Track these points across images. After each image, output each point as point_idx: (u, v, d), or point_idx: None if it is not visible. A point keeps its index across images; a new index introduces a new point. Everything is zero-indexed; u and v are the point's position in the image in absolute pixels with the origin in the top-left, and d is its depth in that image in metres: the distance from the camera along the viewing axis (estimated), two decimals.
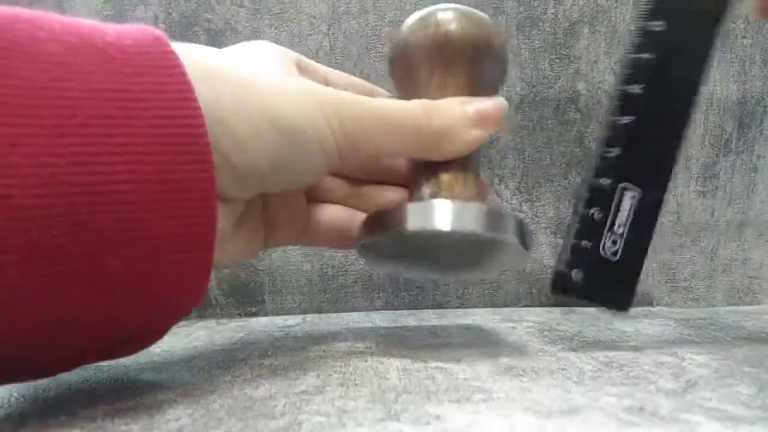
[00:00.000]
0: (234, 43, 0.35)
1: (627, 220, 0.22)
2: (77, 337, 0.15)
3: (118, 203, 0.14)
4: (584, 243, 0.22)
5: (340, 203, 0.25)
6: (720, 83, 0.39)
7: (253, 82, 0.18)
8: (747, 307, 0.39)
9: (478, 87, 0.24)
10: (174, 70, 0.15)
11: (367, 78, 0.36)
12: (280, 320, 0.34)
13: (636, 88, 0.22)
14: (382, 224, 0.21)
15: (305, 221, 0.24)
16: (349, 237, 0.24)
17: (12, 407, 0.17)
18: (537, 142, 0.37)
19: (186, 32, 0.35)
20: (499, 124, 0.23)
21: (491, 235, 0.20)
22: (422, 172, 0.23)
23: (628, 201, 0.22)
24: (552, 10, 0.37)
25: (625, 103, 0.22)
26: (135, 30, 0.16)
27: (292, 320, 0.34)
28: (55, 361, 0.16)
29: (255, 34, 0.36)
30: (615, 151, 0.22)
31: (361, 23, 0.36)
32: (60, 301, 0.14)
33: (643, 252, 0.22)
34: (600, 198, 0.22)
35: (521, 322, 0.31)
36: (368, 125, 0.20)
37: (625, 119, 0.22)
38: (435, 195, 0.21)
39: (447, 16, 0.23)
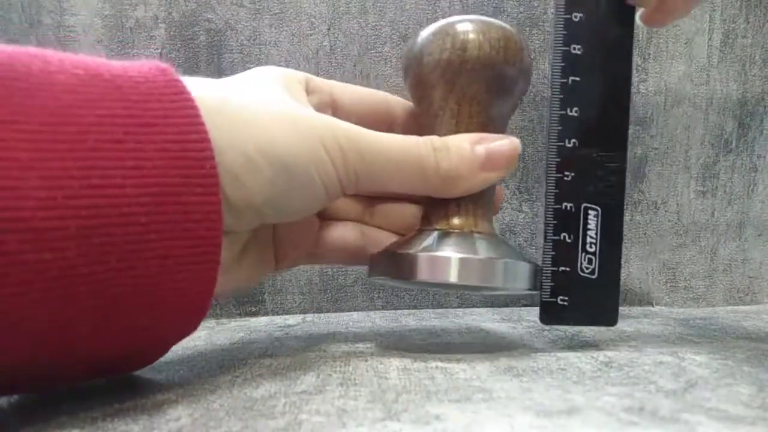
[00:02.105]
0: (234, 42, 0.36)
1: (596, 237, 0.22)
2: (82, 354, 0.16)
3: (129, 225, 0.14)
4: (562, 269, 0.22)
5: (353, 221, 0.25)
6: (720, 83, 0.39)
7: (250, 115, 0.18)
8: (747, 307, 0.39)
9: (496, 115, 0.23)
10: (181, 96, 0.16)
11: (367, 78, 0.36)
12: (280, 320, 0.34)
13: (572, 111, 0.22)
14: (392, 269, 0.22)
15: (317, 241, 0.24)
16: (361, 255, 0.24)
17: (12, 407, 0.17)
18: (537, 142, 0.37)
19: (186, 32, 0.35)
20: (512, 168, 0.22)
21: (497, 286, 0.21)
22: (433, 205, 0.23)
23: (592, 220, 0.22)
24: (552, 10, 0.37)
25: (564, 127, 0.22)
26: (141, 63, 0.17)
27: (292, 320, 0.34)
28: (58, 377, 0.17)
29: (255, 34, 0.36)
30: (570, 175, 0.22)
31: (362, 23, 0.36)
32: (68, 321, 0.14)
33: (618, 264, 0.23)
34: (566, 222, 0.22)
35: (521, 322, 0.31)
36: (372, 161, 0.20)
37: (569, 143, 0.22)
38: (445, 235, 0.22)
39: (465, 29, 0.22)
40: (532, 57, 0.24)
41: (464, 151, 0.21)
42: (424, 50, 0.22)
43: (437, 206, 0.22)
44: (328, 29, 0.36)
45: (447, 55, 0.22)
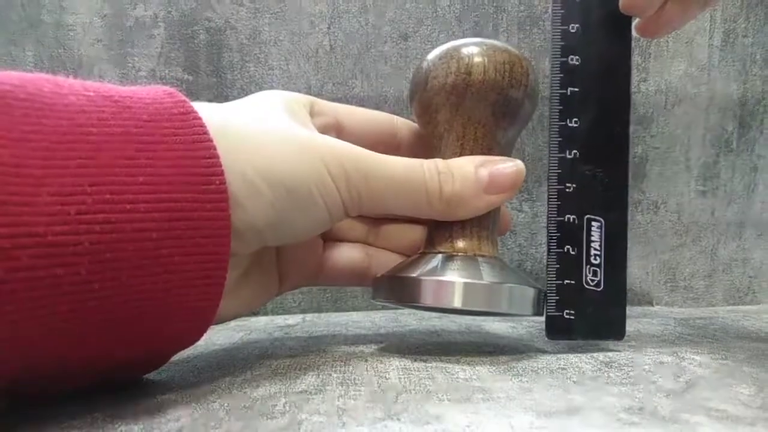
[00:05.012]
0: (233, 41, 0.36)
1: (600, 249, 0.22)
2: (87, 363, 0.16)
3: (140, 241, 0.14)
4: (567, 281, 0.22)
5: (358, 242, 0.25)
6: (720, 82, 0.39)
7: (250, 137, 0.18)
8: (747, 307, 0.39)
9: (501, 138, 0.23)
10: (189, 115, 0.16)
11: (367, 77, 0.36)
12: (280, 320, 0.34)
13: (572, 122, 0.22)
14: (395, 293, 0.21)
15: (321, 263, 0.24)
16: (365, 276, 0.24)
17: (11, 408, 0.17)
18: (537, 141, 0.37)
19: (185, 31, 0.35)
20: (516, 191, 0.22)
21: (502, 311, 0.21)
22: (437, 227, 0.22)
23: (596, 231, 0.22)
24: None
25: (564, 138, 0.22)
26: (148, 87, 0.17)
27: (292, 320, 0.34)
28: (61, 383, 0.17)
29: (255, 33, 0.35)
30: (572, 187, 0.22)
31: (362, 22, 0.36)
32: (77, 334, 0.14)
33: (623, 276, 0.22)
34: (570, 235, 0.22)
35: (521, 322, 0.31)
36: (376, 183, 0.20)
37: (570, 154, 0.22)
38: (449, 258, 0.21)
39: (470, 53, 0.22)
40: (538, 81, 0.23)
41: (468, 174, 0.21)
42: (429, 74, 0.22)
43: (441, 229, 0.22)
44: (328, 28, 0.36)
45: (452, 78, 0.22)
